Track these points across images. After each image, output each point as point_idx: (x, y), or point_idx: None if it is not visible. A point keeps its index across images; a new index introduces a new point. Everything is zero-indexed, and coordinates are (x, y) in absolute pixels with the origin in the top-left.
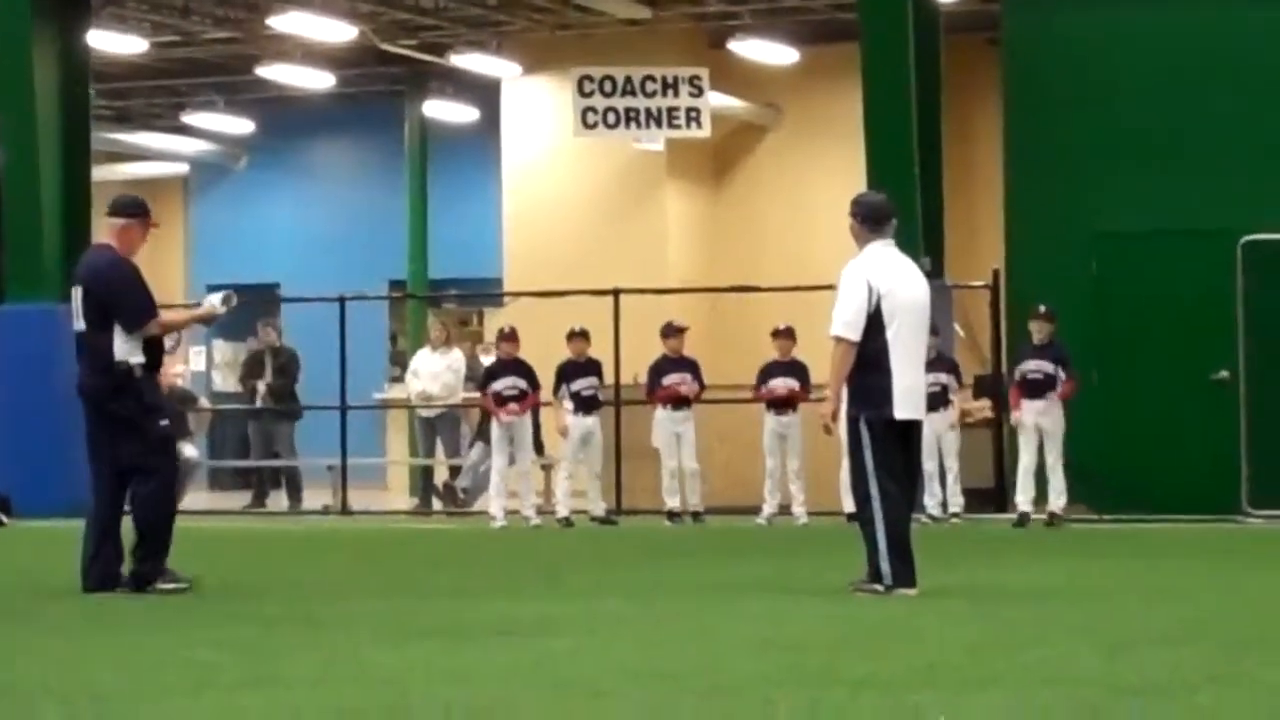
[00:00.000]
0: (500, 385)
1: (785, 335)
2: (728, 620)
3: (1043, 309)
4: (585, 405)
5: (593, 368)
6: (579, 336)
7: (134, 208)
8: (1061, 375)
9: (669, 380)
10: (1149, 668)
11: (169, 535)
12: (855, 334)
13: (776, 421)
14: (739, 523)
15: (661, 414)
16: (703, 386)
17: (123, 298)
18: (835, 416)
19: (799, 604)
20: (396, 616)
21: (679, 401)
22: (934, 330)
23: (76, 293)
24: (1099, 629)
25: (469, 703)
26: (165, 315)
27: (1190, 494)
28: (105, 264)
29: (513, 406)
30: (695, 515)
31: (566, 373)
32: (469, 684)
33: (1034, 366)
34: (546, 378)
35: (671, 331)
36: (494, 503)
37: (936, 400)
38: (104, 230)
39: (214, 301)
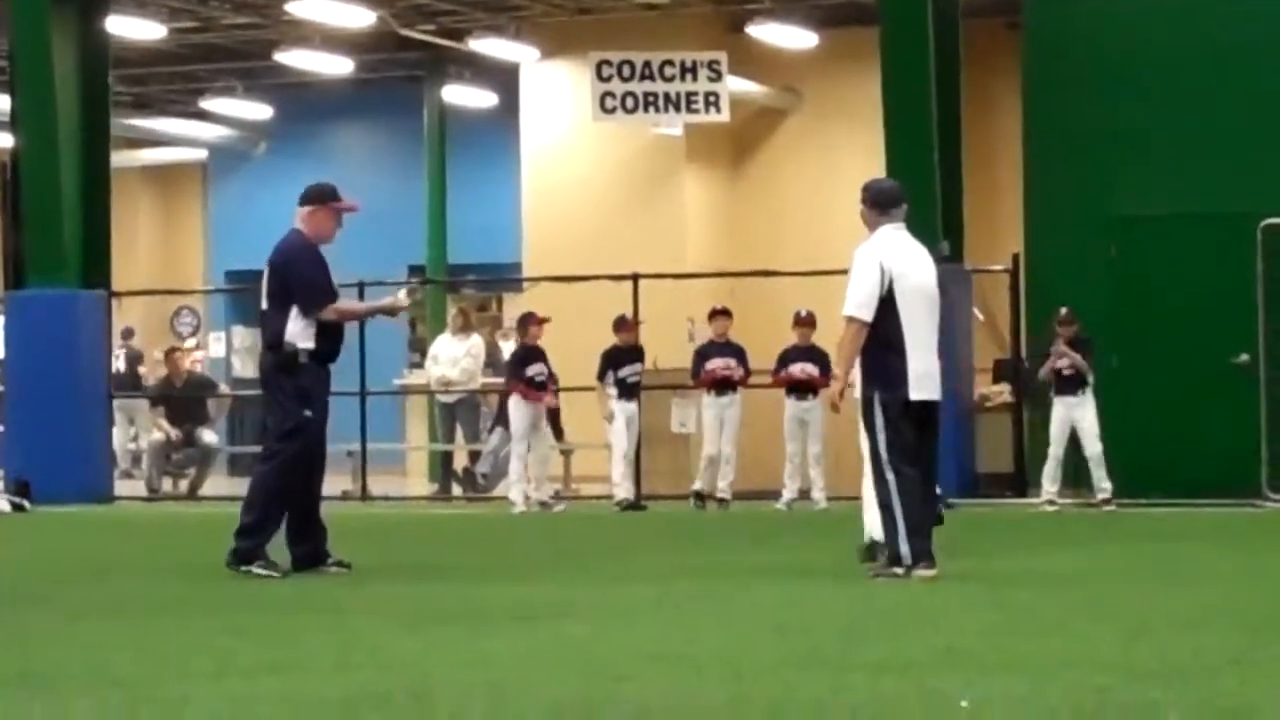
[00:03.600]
0: (532, 371)
1: (806, 322)
2: (747, 604)
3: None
4: (631, 391)
5: (639, 354)
6: (631, 324)
7: (314, 194)
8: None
9: (712, 364)
10: (1169, 651)
11: (273, 520)
12: (868, 314)
13: (797, 407)
14: (759, 508)
15: (707, 399)
16: (748, 372)
17: (301, 279)
18: (843, 395)
19: (818, 588)
20: (416, 601)
21: (723, 386)
22: None
23: (265, 273)
24: (1118, 613)
25: (489, 687)
26: (345, 304)
27: (1210, 478)
28: (290, 246)
29: (550, 399)
30: (721, 501)
31: (615, 359)
32: (489, 668)
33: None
34: (564, 363)
35: (715, 315)
36: (514, 488)
37: None
38: (296, 217)
39: (399, 295)
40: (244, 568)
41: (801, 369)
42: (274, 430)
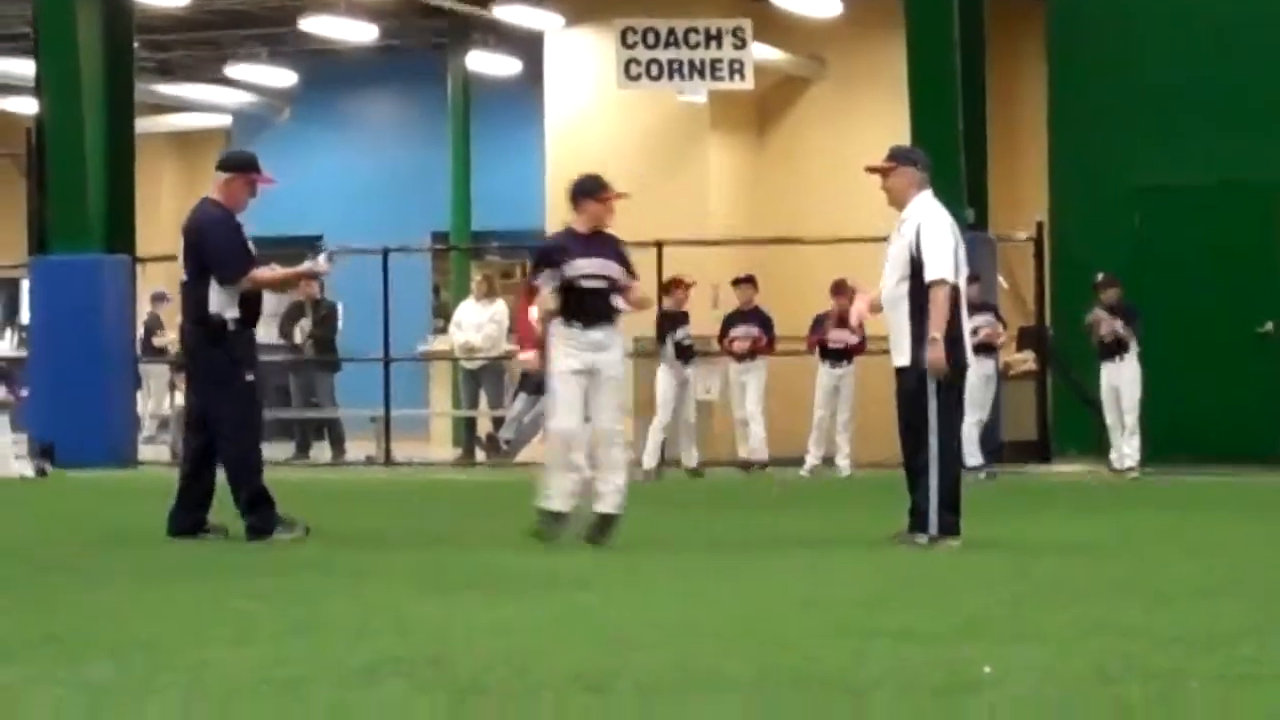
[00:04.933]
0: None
1: (844, 293)
2: (768, 573)
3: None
4: (687, 354)
5: (686, 316)
6: (685, 286)
7: (233, 162)
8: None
9: (735, 333)
10: (1191, 620)
11: (260, 485)
12: (955, 277)
13: (831, 374)
14: (782, 474)
15: (734, 366)
16: (771, 338)
17: (215, 250)
18: (948, 360)
19: (841, 556)
20: (438, 567)
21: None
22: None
23: (180, 244)
24: (1141, 581)
25: (509, 654)
26: (261, 271)
27: (1234, 446)
28: (203, 216)
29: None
30: (747, 466)
31: (669, 324)
32: (509, 635)
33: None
34: None
35: (739, 283)
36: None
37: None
38: (212, 184)
39: (319, 259)
40: (265, 540)
41: (838, 336)
42: (224, 407)
